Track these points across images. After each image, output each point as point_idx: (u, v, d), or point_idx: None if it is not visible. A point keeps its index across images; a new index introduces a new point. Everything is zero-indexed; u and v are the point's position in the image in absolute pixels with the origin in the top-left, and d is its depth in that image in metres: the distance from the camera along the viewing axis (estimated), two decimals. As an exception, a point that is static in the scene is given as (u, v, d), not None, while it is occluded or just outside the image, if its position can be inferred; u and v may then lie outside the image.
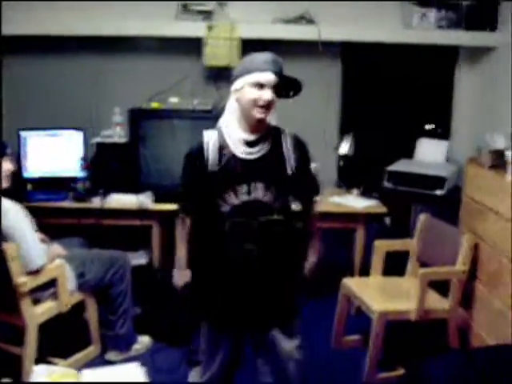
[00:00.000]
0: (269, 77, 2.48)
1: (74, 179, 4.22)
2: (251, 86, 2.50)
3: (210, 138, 2.64)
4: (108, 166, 4.24)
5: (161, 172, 4.17)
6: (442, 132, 4.77)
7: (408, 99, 4.69)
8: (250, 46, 4.34)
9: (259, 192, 2.58)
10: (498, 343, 3.26)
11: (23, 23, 4.18)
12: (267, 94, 2.49)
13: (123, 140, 4.26)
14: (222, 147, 2.60)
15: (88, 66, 4.53)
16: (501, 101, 4.17)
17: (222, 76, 4.46)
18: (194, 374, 3.09)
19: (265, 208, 2.60)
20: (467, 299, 3.64)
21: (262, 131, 2.60)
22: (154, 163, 4.17)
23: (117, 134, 4.26)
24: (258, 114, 2.52)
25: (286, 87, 2.53)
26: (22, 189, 4.22)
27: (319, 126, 4.57)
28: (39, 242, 3.35)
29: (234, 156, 2.60)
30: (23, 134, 4.29)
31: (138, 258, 4.33)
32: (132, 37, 4.39)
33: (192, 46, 4.38)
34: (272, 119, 2.62)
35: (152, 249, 4.23)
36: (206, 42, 4.27)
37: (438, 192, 4.08)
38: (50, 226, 3.87)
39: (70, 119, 4.40)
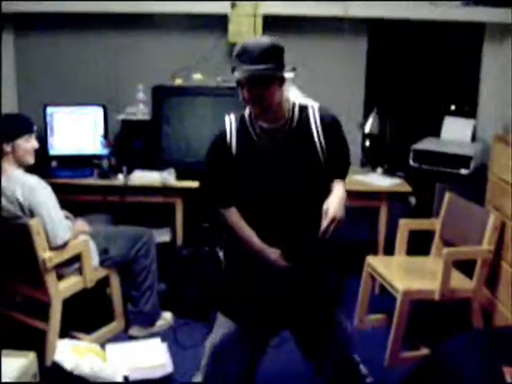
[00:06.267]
0: (243, 73, 2.27)
1: (98, 156, 4.22)
2: (239, 84, 2.34)
3: (231, 123, 2.48)
4: (131, 143, 4.25)
5: (183, 149, 4.16)
6: (469, 110, 4.70)
7: (434, 77, 4.62)
8: (274, 23, 4.31)
9: (286, 184, 2.41)
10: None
11: (47, 0, 4.19)
12: (250, 93, 2.30)
13: (146, 117, 4.25)
14: (244, 135, 2.45)
15: (112, 43, 4.50)
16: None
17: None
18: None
19: (293, 204, 2.43)
20: (492, 279, 3.60)
21: (280, 120, 2.43)
22: (177, 140, 4.15)
23: (140, 111, 4.26)
24: (255, 112, 2.38)
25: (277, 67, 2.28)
26: (46, 166, 4.25)
27: (344, 103, 4.48)
28: (64, 219, 3.38)
29: (256, 144, 2.44)
30: (49, 109, 4.29)
31: (162, 235, 4.34)
32: (157, 14, 4.37)
33: (216, 23, 4.35)
34: (295, 97, 2.40)
35: (175, 226, 4.24)
36: (229, 19, 4.24)
37: (463, 171, 4.03)
38: (76, 203, 3.92)
39: (94, 96, 4.41)
